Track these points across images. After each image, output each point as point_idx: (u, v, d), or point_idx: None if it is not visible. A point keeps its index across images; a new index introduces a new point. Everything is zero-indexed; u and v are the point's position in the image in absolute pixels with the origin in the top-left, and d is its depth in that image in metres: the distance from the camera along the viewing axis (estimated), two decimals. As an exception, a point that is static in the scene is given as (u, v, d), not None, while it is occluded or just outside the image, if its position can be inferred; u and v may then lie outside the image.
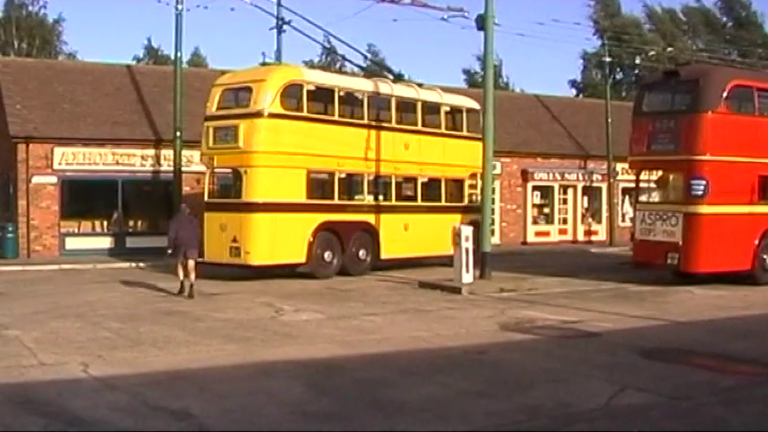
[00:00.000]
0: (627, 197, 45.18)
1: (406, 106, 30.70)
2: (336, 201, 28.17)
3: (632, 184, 28.75)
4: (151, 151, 36.67)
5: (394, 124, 30.10)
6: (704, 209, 24.59)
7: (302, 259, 27.05)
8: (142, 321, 17.94)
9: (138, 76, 40.48)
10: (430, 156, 30.38)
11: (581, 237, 47.95)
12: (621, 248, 36.88)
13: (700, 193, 24.59)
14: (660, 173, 27.36)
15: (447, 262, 26.48)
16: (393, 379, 12.36)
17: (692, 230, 24.71)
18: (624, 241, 35.52)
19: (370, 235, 28.90)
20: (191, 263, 22.96)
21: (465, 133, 32.07)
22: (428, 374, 12.66)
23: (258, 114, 26.32)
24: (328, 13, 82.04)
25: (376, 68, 31.32)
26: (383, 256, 29.20)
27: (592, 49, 66.56)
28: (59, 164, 34.95)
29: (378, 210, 29.24)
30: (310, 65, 70.95)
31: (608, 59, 50.07)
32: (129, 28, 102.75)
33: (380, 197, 29.75)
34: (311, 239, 27.17)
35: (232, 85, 28.17)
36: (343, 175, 28.57)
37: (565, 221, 47.92)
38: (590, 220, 48.56)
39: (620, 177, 45.68)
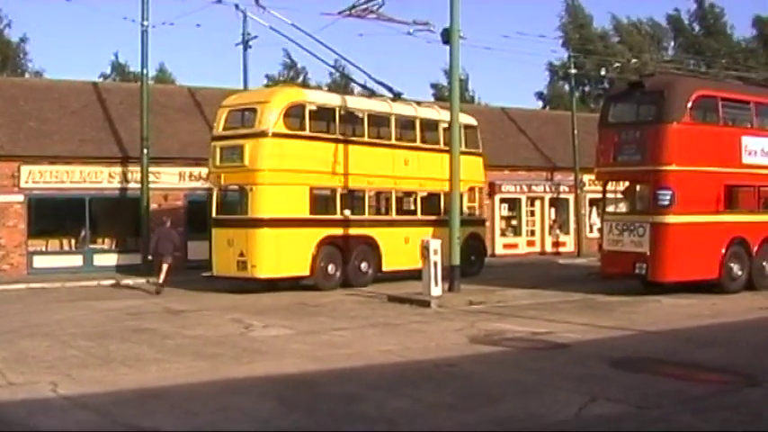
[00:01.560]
0: (594, 208, 45.32)
1: (405, 123, 31.75)
2: (339, 216, 29.26)
3: (599, 195, 28.90)
4: (118, 168, 36.55)
5: (393, 141, 31.15)
6: (671, 219, 24.74)
7: (306, 272, 28.14)
8: (111, 339, 17.85)
9: (104, 93, 40.38)
10: (429, 171, 31.09)
11: (549, 248, 48.09)
12: (590, 259, 37.01)
13: (666, 203, 24.74)
14: (627, 184, 27.52)
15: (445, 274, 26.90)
16: (363, 393, 12.36)
17: (659, 240, 24.84)
18: (592, 252, 35.64)
19: (372, 248, 29.70)
20: (164, 266, 26.73)
21: (463, 149, 32.04)
22: (398, 388, 12.66)
23: (263, 134, 27.47)
24: (293, 29, 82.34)
25: (378, 87, 31.65)
26: (384, 268, 30.03)
27: (558, 61, 66.86)
28: (26, 182, 34.79)
29: (379, 224, 30.21)
30: (273, 79, 71.08)
31: (574, 71, 50.29)
32: (95, 45, 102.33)
33: (381, 211, 31.06)
34: (315, 253, 28.18)
35: (237, 107, 29.41)
36: (344, 191, 29.56)
37: (533, 233, 48.05)
38: (558, 231, 48.73)
39: (587, 188, 45.89)
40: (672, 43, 75.36)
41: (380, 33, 33.61)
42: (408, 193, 31.89)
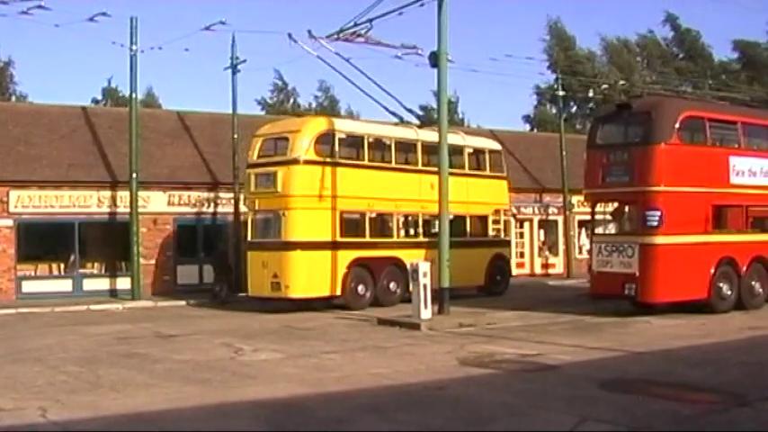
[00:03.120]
0: (583, 229, 45.40)
1: (431, 149, 31.79)
2: (368, 238, 30.53)
3: (588, 217, 28.93)
4: (107, 193, 36.52)
5: (420, 166, 31.99)
6: (659, 239, 24.78)
7: (337, 292, 29.38)
8: (100, 364, 17.81)
9: (93, 118, 40.37)
10: (454, 195, 30.87)
11: (538, 270, 48.13)
12: (579, 280, 37.04)
13: (655, 223, 24.79)
14: (615, 205, 27.57)
15: (470, 293, 30.78)
16: (354, 417, 12.34)
17: (648, 261, 24.87)
18: (582, 273, 35.68)
19: (400, 269, 30.25)
20: None
21: (488, 172, 34.61)
22: (389, 411, 12.65)
23: (295, 161, 28.92)
24: (280, 52, 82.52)
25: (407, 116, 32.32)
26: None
27: (545, 84, 66.91)
28: (15, 207, 34.76)
29: (406, 246, 31.08)
30: (263, 104, 71.12)
31: (561, 93, 50.35)
32: (86, 70, 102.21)
33: (409, 234, 31.98)
34: (345, 274, 29.49)
35: (271, 136, 30.85)
36: (373, 215, 30.98)
37: (522, 255, 48.03)
38: (547, 253, 48.80)
39: (575, 210, 45.94)
40: (656, 63, 75.24)
41: (369, 57, 33.80)
42: (435, 216, 31.46)
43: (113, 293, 35.66)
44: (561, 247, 48.19)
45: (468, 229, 33.72)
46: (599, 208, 27.72)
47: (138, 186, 34.27)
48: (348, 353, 19.35)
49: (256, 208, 30.34)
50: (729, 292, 26.19)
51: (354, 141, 31.01)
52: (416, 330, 23.26)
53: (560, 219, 47.68)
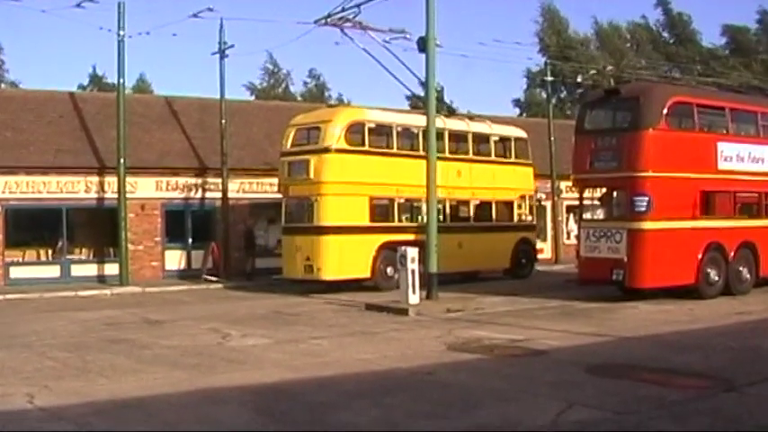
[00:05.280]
0: (571, 215, 45.39)
1: (458, 137, 34.14)
2: (396, 223, 31.86)
3: (576, 202, 28.94)
4: (95, 178, 36.40)
5: (447, 154, 32.76)
6: (647, 225, 24.80)
7: (367, 274, 30.84)
8: (88, 350, 17.79)
9: (80, 103, 40.21)
10: (481, 181, 33.79)
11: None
12: (567, 266, 37.11)
13: (643, 209, 24.81)
14: (603, 190, 27.57)
15: (495, 276, 32.59)
16: (342, 402, 12.36)
17: (636, 246, 24.90)
18: (570, 259, 35.78)
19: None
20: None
21: (513, 159, 35.85)
22: (376, 397, 12.66)
23: (326, 150, 30.35)
24: (269, 37, 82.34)
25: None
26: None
27: (535, 67, 66.75)
28: (2, 193, 34.64)
29: None
30: (253, 89, 70.92)
31: (550, 79, 50.21)
32: (74, 56, 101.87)
33: (438, 219, 31.78)
34: (375, 257, 30.82)
35: (304, 125, 32.32)
36: (402, 200, 32.10)
37: (510, 240, 47.95)
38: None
39: (564, 195, 45.95)
40: (647, 49, 75.01)
41: (358, 41, 33.58)
42: (462, 202, 34.34)
43: (101, 279, 35.60)
44: (549, 232, 48.15)
45: (494, 214, 34.95)
46: (587, 193, 27.73)
47: (126, 172, 34.19)
48: (336, 338, 19.39)
49: (290, 194, 31.79)
50: (717, 278, 26.24)
51: (383, 130, 32.23)
52: (404, 316, 23.30)
53: (549, 204, 47.65)
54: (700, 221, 25.74)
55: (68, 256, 36.48)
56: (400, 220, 32.10)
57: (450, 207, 33.68)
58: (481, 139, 35.15)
